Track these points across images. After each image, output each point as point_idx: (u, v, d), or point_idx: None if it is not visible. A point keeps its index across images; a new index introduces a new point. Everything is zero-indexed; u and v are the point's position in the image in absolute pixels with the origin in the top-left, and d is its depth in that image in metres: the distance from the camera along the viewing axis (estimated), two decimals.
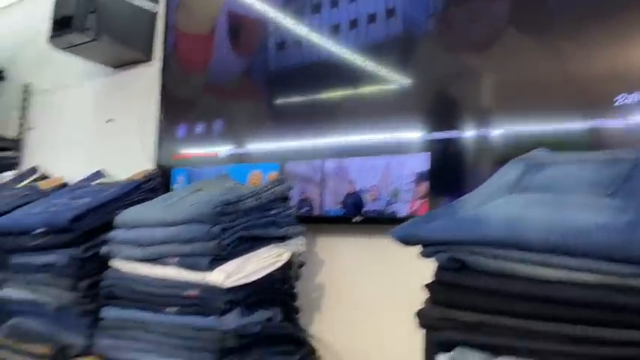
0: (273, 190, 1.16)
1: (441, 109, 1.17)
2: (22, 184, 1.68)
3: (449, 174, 1.13)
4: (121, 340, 1.15)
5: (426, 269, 0.76)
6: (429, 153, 1.15)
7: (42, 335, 1.29)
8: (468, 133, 1.10)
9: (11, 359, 1.32)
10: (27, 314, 1.34)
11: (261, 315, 1.09)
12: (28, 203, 1.47)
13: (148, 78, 1.82)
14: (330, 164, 1.30)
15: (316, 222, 1.32)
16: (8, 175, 1.82)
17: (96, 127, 2.01)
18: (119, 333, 1.16)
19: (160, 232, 1.12)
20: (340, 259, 1.33)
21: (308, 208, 1.33)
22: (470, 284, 0.69)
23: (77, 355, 1.21)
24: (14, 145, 2.23)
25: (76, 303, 1.24)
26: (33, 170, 1.75)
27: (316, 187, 1.32)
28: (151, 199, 1.33)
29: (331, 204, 1.29)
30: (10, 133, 2.27)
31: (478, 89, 1.12)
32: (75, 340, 1.23)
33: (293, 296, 1.22)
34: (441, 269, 0.74)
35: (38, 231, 1.28)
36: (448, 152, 1.13)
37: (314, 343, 1.24)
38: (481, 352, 0.68)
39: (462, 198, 0.79)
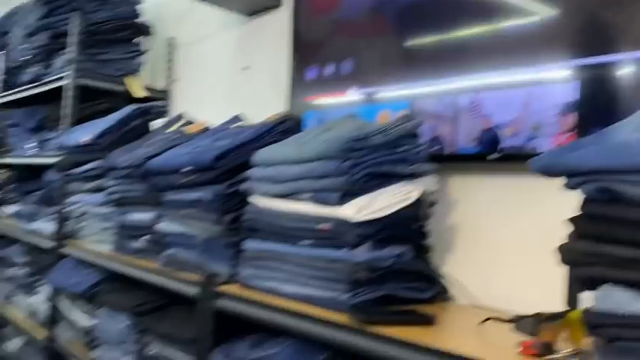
0: (402, 126, 1.14)
1: (592, 34, 1.05)
2: (171, 129, 1.82)
3: (600, 104, 1.02)
4: (261, 270, 1.23)
5: (567, 206, 0.70)
6: (578, 82, 1.04)
7: (193, 264, 1.42)
8: (624, 58, 0.98)
9: (169, 284, 1.48)
10: (180, 245, 1.48)
11: (391, 250, 1.09)
12: (176, 146, 1.60)
13: (279, 23, 1.86)
14: (463, 99, 1.24)
15: (448, 160, 1.28)
16: (159, 122, 2.00)
17: (233, 75, 2.11)
18: (259, 263, 1.23)
19: (293, 169, 1.16)
20: (474, 199, 1.28)
21: (439, 147, 1.29)
22: (621, 216, 0.63)
23: (223, 283, 1.31)
24: (163, 95, 2.42)
25: (221, 235, 1.34)
26: (179, 117, 1.89)
27: (448, 124, 1.27)
28: (284, 140, 1.38)
29: (464, 141, 1.24)
30: (159, 84, 2.47)
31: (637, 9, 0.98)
32: (221, 268, 1.34)
33: (424, 235, 1.21)
34: (587, 201, 0.68)
35: (186, 169, 1.39)
36: (600, 80, 1.02)
37: (446, 282, 1.23)
38: (631, 290, 0.62)
39: (612, 126, 0.71)
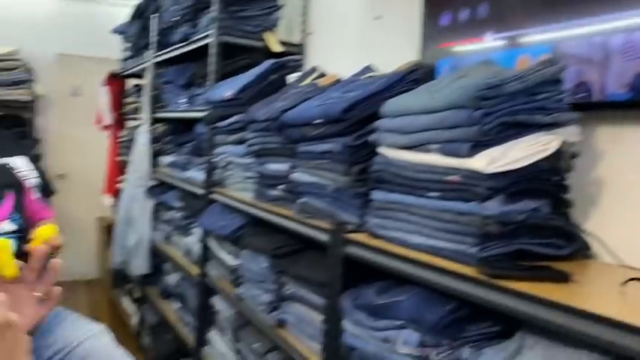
0: (541, 72, 1.06)
1: None
2: (305, 82, 1.88)
3: None
4: (388, 220, 1.24)
5: None
6: None
7: (324, 212, 1.48)
8: None
9: (302, 230, 1.56)
10: (312, 194, 1.54)
11: (526, 204, 1.04)
12: (309, 99, 1.64)
13: None
14: (615, 40, 1.11)
15: (595, 108, 1.17)
16: (295, 76, 2.05)
17: (365, 26, 2.09)
18: (386, 214, 1.25)
19: (422, 119, 1.14)
20: (624, 150, 1.16)
21: (585, 94, 1.18)
22: None
23: (352, 231, 1.35)
24: (298, 49, 2.48)
25: (349, 186, 1.37)
26: (313, 70, 1.93)
27: (596, 68, 1.15)
28: (415, 89, 1.35)
29: (615, 87, 1.12)
30: (295, 38, 2.54)
31: None
32: (349, 218, 1.38)
33: (564, 188, 1.13)
34: None
35: (316, 122, 1.43)
36: None
37: (588, 239, 1.15)
38: None
39: None
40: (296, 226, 1.60)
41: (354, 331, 1.28)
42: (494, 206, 1.01)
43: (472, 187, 1.04)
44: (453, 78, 1.21)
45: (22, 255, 1.58)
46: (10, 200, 1.66)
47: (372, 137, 1.31)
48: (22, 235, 1.62)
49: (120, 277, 4.15)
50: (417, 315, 1.10)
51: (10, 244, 0.87)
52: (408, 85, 1.40)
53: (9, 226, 1.60)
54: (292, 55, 2.43)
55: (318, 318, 1.50)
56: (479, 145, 1.03)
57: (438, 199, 1.11)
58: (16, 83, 4.14)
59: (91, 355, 1.65)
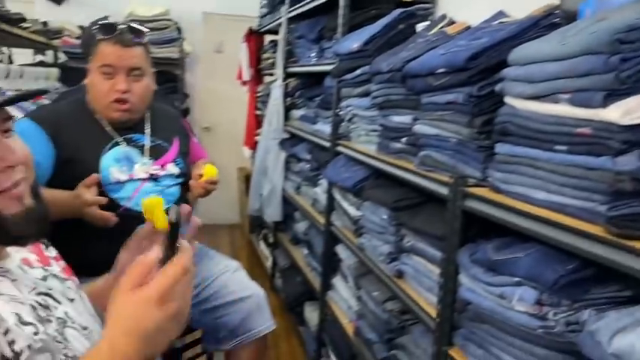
0: None
1: None
2: (433, 31, 1.81)
3: None
4: (511, 175, 1.19)
5: None
6: None
7: (445, 165, 1.45)
8: None
9: (422, 183, 1.55)
10: (434, 147, 1.51)
11: None
12: (435, 47, 1.59)
13: None
14: None
15: None
16: (423, 24, 1.99)
17: None
18: (510, 168, 1.19)
19: (551, 67, 1.06)
20: None
21: None
22: None
23: (473, 185, 1.32)
24: None
25: (472, 138, 1.33)
26: (442, 18, 1.86)
27: None
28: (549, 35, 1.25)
29: None
30: None
31: None
32: (471, 171, 1.34)
33: None
34: None
35: (440, 71, 1.39)
36: None
37: None
38: None
39: None
40: (416, 179, 1.59)
41: (470, 285, 1.26)
42: (629, 161, 0.92)
43: (604, 140, 0.95)
44: (592, 21, 1.09)
45: (183, 198, 1.77)
46: (176, 145, 1.85)
47: (497, 87, 1.24)
48: (183, 178, 1.81)
49: (256, 223, 4.45)
50: (535, 272, 1.06)
51: (163, 201, 1.02)
52: (541, 31, 1.30)
53: (173, 168, 1.79)
54: (422, 4, 2.36)
55: (435, 271, 1.50)
56: (614, 94, 0.93)
57: (565, 152, 1.04)
58: (166, 42, 4.50)
59: (228, 286, 1.83)
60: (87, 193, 1.52)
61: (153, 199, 1.03)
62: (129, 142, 1.72)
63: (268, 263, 3.89)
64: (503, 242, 1.21)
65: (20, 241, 0.82)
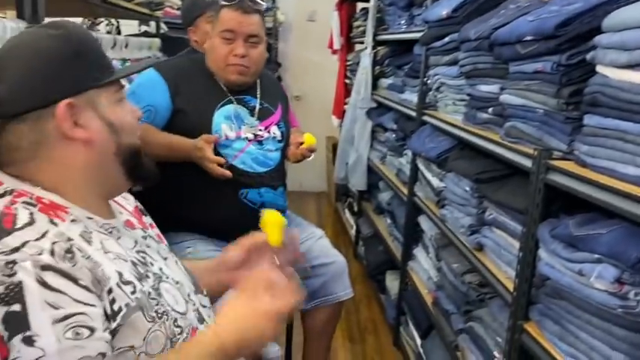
0: None
1: None
2: None
3: None
4: (599, 148, 1.13)
5: None
6: None
7: (531, 137, 1.40)
8: None
9: (506, 155, 1.51)
10: (520, 118, 1.46)
11: None
12: (526, 14, 1.52)
13: None
14: None
15: None
16: None
17: None
18: (598, 141, 1.14)
19: None
20: None
21: None
22: None
23: (558, 158, 1.27)
24: None
25: (559, 109, 1.27)
26: None
27: None
28: None
29: None
30: None
31: None
32: (557, 144, 1.29)
33: None
34: None
35: (528, 39, 1.33)
36: None
37: None
38: None
39: None
40: (500, 151, 1.55)
41: (549, 260, 1.23)
42: None
43: None
44: None
45: (281, 163, 1.89)
46: (280, 110, 1.95)
47: (589, 56, 1.18)
48: (284, 143, 1.91)
49: (342, 192, 4.52)
50: (617, 250, 1.01)
51: (284, 222, 1.17)
52: None
53: (276, 131, 1.89)
54: None
55: (516, 245, 1.47)
56: None
57: None
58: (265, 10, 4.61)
59: (312, 251, 1.90)
60: (208, 149, 1.67)
61: (275, 216, 1.15)
62: (240, 102, 1.84)
63: (352, 231, 3.95)
64: (585, 218, 1.17)
65: (153, 178, 1.00)
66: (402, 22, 2.85)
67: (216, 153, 1.72)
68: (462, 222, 1.80)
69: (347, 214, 4.31)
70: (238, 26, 1.74)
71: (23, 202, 0.81)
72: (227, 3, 1.75)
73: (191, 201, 1.76)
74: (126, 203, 1.07)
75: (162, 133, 1.75)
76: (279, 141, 1.90)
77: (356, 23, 4.19)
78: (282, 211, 1.87)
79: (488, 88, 1.70)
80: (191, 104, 1.77)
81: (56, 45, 0.84)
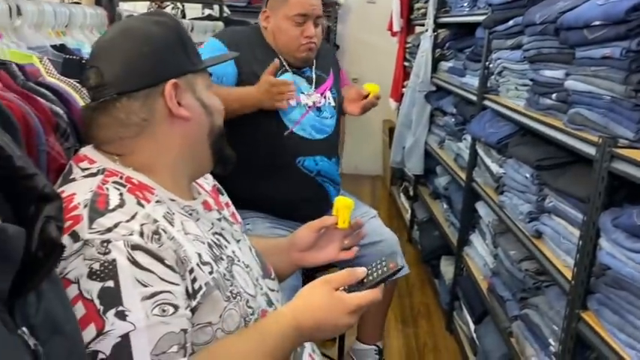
0: None
1: None
2: None
3: None
4: None
5: None
6: None
7: (596, 124, 1.37)
8: None
9: (569, 142, 1.48)
10: (585, 104, 1.43)
11: None
12: None
13: None
14: None
15: None
16: None
17: None
18: None
19: None
20: None
21: None
22: None
23: (624, 146, 1.24)
24: None
25: (627, 96, 1.24)
26: None
27: None
28: None
29: None
30: None
31: None
32: (623, 132, 1.26)
33: None
34: None
35: (596, 23, 1.30)
36: None
37: None
38: None
39: None
40: (563, 138, 1.53)
41: (611, 250, 1.21)
42: None
43: None
44: None
45: (337, 128, 1.95)
46: (332, 76, 2.02)
47: None
48: (337, 107, 1.97)
49: (397, 176, 4.51)
50: None
51: (353, 204, 1.24)
52: None
53: (330, 97, 1.95)
54: None
55: (575, 233, 1.45)
56: None
57: None
58: None
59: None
60: (271, 76, 1.76)
61: (346, 200, 1.22)
62: (295, 72, 1.93)
63: (407, 215, 3.95)
64: None
65: (232, 161, 1.08)
66: (465, 4, 2.79)
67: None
68: (521, 209, 1.78)
69: (402, 198, 4.30)
70: (311, 9, 1.84)
71: (113, 183, 0.87)
72: None
73: (250, 175, 1.81)
74: (205, 183, 1.13)
75: (230, 87, 1.84)
76: (334, 107, 1.95)
77: (417, 5, 4.13)
78: (337, 184, 1.94)
79: (552, 73, 1.67)
80: (252, 71, 1.84)
81: (163, 32, 0.93)
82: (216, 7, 3.81)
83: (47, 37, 1.30)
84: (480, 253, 2.33)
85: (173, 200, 0.94)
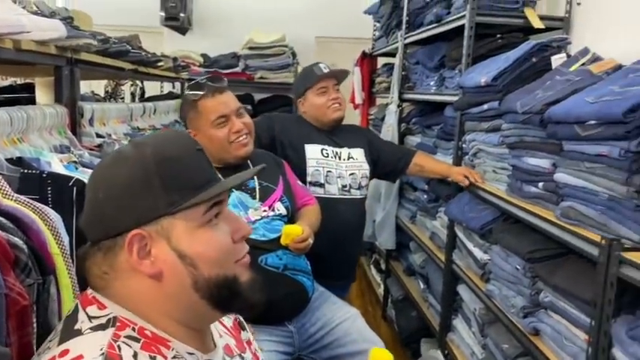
0: None
1: None
2: (573, 67, 1.67)
3: None
4: None
5: None
6: None
7: (594, 221, 1.32)
8: None
9: (566, 238, 1.42)
10: (579, 199, 1.39)
11: None
12: (580, 89, 1.47)
13: None
14: None
15: None
16: (559, 57, 1.85)
17: None
18: None
19: None
20: None
21: None
22: None
23: (630, 249, 1.18)
24: (561, 24, 2.23)
25: (629, 197, 1.20)
26: (584, 52, 1.70)
27: None
28: None
29: None
30: (559, 11, 2.28)
31: None
32: (627, 232, 1.21)
33: None
34: None
35: (591, 122, 1.27)
36: None
37: None
38: None
39: None
40: (558, 232, 1.47)
41: None
42: None
43: None
44: None
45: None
46: (281, 184, 1.88)
47: None
48: (289, 214, 1.84)
49: (367, 247, 4.41)
50: None
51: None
52: None
53: (280, 207, 1.81)
54: (555, 30, 2.21)
55: (580, 335, 1.37)
56: None
57: None
58: (282, 67, 4.63)
59: (349, 334, 1.80)
60: None
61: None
62: (238, 187, 1.77)
63: (380, 290, 3.83)
64: None
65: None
66: (432, 83, 2.80)
67: None
68: (513, 302, 1.70)
69: (373, 271, 4.19)
70: (226, 109, 1.74)
71: (126, 338, 0.74)
72: (197, 96, 1.72)
73: None
74: (225, 318, 0.98)
75: None
76: (285, 215, 1.83)
77: (378, 79, 4.18)
78: (309, 274, 1.79)
79: (537, 161, 1.63)
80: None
81: (127, 172, 0.78)
82: (178, 84, 3.74)
83: (1, 148, 1.15)
84: (465, 341, 2.22)
85: (191, 354, 0.80)
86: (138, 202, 0.76)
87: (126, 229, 0.76)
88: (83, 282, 0.85)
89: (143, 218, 0.77)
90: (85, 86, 3.37)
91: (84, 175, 1.20)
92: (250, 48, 4.64)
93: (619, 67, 1.49)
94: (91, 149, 1.62)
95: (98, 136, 1.83)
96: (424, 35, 2.88)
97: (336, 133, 2.34)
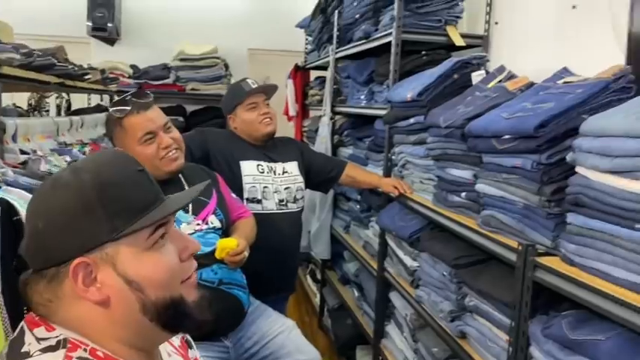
0: None
1: None
2: (491, 84, 1.79)
3: None
4: (587, 249, 1.15)
5: None
6: None
7: (511, 228, 1.42)
8: None
9: (486, 244, 1.51)
10: (498, 208, 1.48)
11: None
12: (497, 105, 1.57)
13: None
14: None
15: None
16: (479, 74, 1.96)
17: (560, 16, 1.92)
18: (585, 241, 1.16)
19: (629, 144, 1.03)
20: None
21: None
22: None
23: (543, 254, 1.28)
24: (482, 41, 2.37)
25: (541, 205, 1.29)
26: (500, 70, 1.83)
27: None
28: (622, 100, 1.22)
29: None
30: (478, 29, 2.42)
31: None
32: (540, 239, 1.31)
33: None
34: None
35: (506, 137, 1.36)
36: None
37: None
38: None
39: None
40: (480, 239, 1.56)
41: None
42: None
43: None
44: None
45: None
46: (215, 197, 1.87)
47: (568, 156, 1.21)
48: (223, 227, 1.84)
49: (303, 258, 4.45)
50: None
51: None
52: (611, 95, 1.27)
53: (215, 220, 1.81)
54: (475, 48, 2.35)
55: (502, 337, 1.46)
56: None
57: None
58: (214, 79, 4.62)
59: (285, 346, 1.81)
60: None
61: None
62: (184, 208, 1.74)
63: (316, 300, 3.87)
64: (578, 318, 1.17)
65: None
66: (362, 97, 2.89)
67: None
68: (441, 306, 1.78)
69: (309, 280, 4.23)
70: (152, 126, 1.70)
71: (78, 359, 0.73)
72: (122, 113, 1.68)
73: None
74: (174, 337, 0.97)
75: None
76: (220, 228, 1.83)
77: (311, 92, 4.25)
78: (245, 288, 1.79)
79: (460, 172, 1.73)
80: None
81: (66, 200, 0.75)
82: (106, 96, 3.64)
83: None
84: (398, 346, 2.30)
85: None
86: (79, 230, 0.75)
87: (69, 257, 0.74)
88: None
89: (86, 246, 0.75)
90: (7, 98, 3.23)
91: (9, 194, 1.16)
92: (181, 59, 4.60)
93: (531, 84, 1.61)
94: (15, 167, 1.57)
95: (22, 152, 1.76)
96: (354, 50, 2.97)
97: (269, 148, 2.37)
